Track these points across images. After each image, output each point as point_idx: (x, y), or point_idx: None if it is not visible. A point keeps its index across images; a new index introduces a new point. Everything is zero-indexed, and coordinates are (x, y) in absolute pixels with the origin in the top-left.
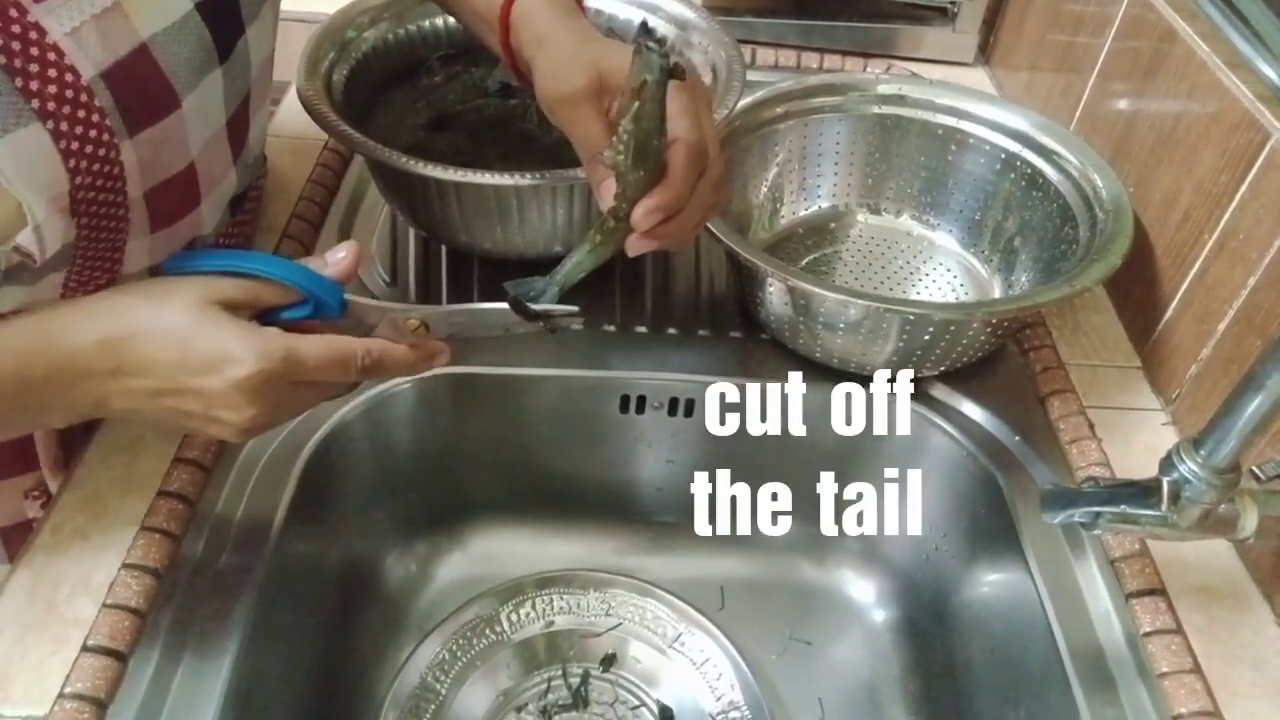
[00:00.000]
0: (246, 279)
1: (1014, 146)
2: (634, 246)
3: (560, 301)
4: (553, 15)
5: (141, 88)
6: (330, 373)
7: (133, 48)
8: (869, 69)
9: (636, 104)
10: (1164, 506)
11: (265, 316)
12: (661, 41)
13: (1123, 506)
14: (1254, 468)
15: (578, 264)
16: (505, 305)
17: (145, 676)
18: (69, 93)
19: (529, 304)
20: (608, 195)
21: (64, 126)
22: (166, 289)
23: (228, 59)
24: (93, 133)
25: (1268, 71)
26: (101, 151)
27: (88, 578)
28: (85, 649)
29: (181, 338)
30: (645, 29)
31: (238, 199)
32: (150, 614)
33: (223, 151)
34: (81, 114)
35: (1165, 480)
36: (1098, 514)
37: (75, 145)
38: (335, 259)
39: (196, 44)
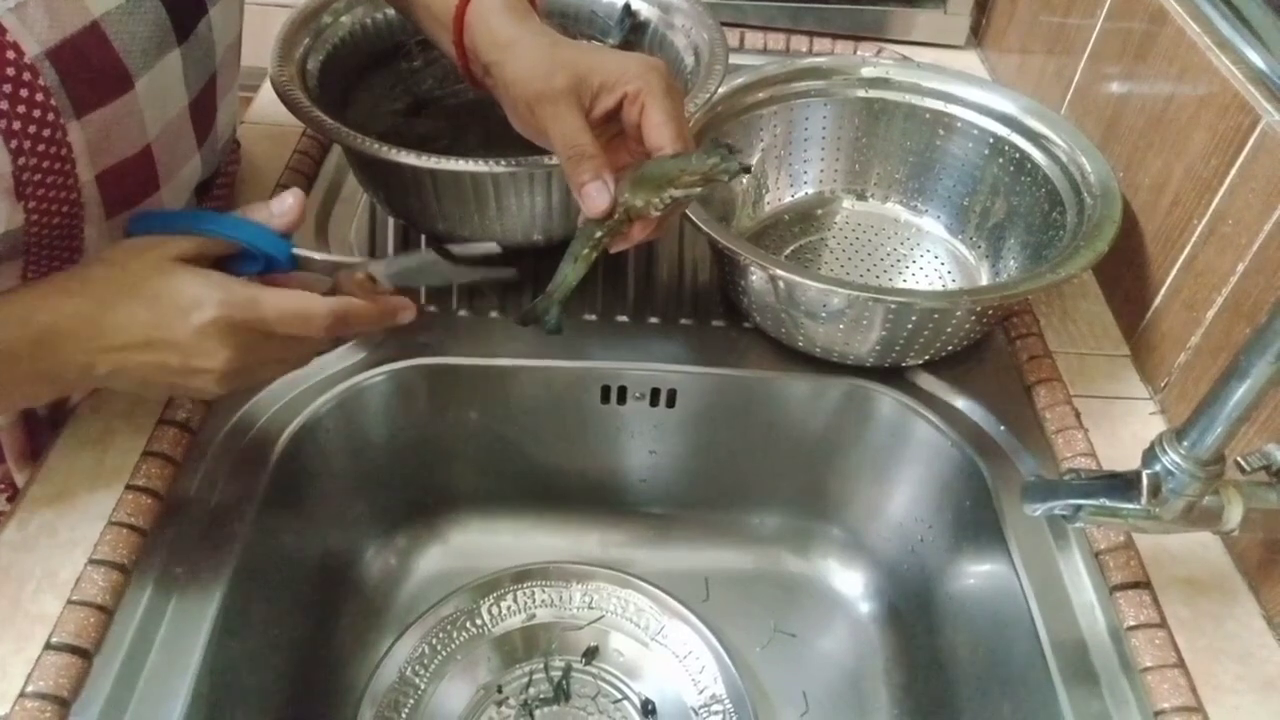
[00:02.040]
0: (200, 237)
1: (1002, 130)
2: (617, 247)
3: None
4: (511, 19)
5: (91, 67)
6: (293, 324)
7: (83, 26)
8: (859, 52)
9: (697, 188)
10: (1144, 500)
11: (223, 265)
12: (731, 148)
13: (1102, 499)
14: (1239, 459)
15: (566, 278)
16: (433, 251)
17: (111, 674)
18: (10, 70)
19: (452, 251)
20: (595, 202)
21: (4, 105)
22: (128, 254)
23: (187, 40)
24: (36, 112)
25: (1252, 56)
26: (46, 132)
27: (54, 573)
28: (49, 646)
29: (150, 296)
30: (628, 9)
31: (204, 185)
32: (118, 610)
33: (185, 135)
34: (24, 93)
35: (1145, 473)
36: (1078, 506)
37: (17, 125)
38: (281, 209)
39: (152, 23)
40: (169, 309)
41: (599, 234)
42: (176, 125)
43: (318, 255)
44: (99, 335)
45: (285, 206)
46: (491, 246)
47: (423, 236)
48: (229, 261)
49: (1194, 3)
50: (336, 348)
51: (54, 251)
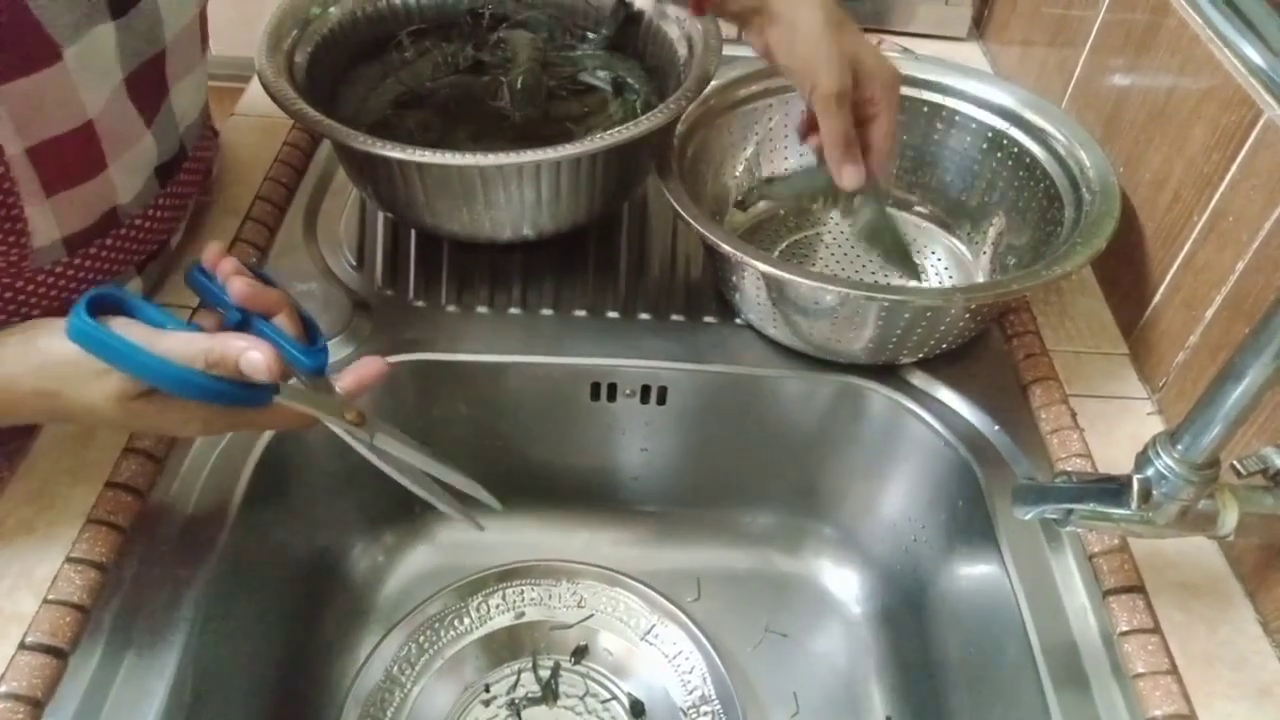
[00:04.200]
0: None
1: (1000, 124)
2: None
3: None
4: None
5: (11, 35)
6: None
7: None
8: None
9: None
10: (1134, 505)
11: None
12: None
13: (1092, 504)
14: (1235, 462)
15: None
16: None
17: (87, 674)
18: None
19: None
20: (856, 176)
21: None
22: (82, 384)
23: (126, 14)
24: None
25: (1252, 54)
26: None
27: (30, 571)
28: (23, 646)
29: (120, 424)
30: (622, 1)
31: (166, 169)
32: (95, 609)
33: (127, 112)
34: None
35: (1136, 478)
36: (1069, 510)
37: None
38: (250, 366)
39: None
40: (151, 427)
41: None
42: (117, 102)
43: (302, 408)
44: (51, 420)
45: (254, 368)
46: (476, 527)
47: (379, 278)
48: None
49: None
50: None
51: None
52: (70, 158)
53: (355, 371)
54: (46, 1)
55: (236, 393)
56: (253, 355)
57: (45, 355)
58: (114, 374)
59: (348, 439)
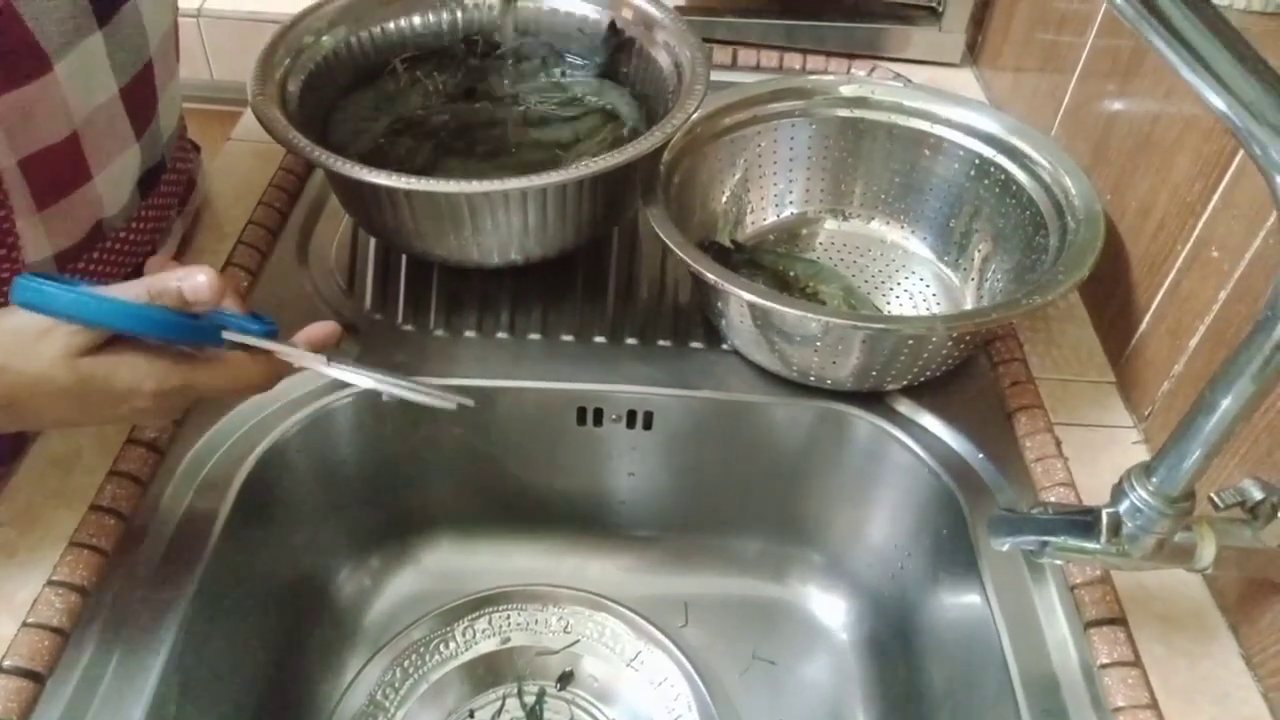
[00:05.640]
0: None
1: (987, 151)
2: None
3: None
4: None
5: (4, 46)
6: (231, 394)
7: None
8: (852, 70)
9: None
10: (1103, 539)
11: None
12: None
13: (1064, 537)
14: (1213, 495)
15: None
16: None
17: (63, 698)
18: None
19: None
20: None
21: None
22: (27, 349)
23: (109, 22)
24: None
25: (1216, 102)
26: None
27: (10, 595)
28: (0, 670)
29: (69, 394)
30: (614, 27)
31: (148, 180)
32: (74, 633)
33: (119, 123)
34: None
35: (1105, 512)
36: (1045, 542)
37: None
38: (194, 292)
39: (69, 4)
40: (95, 404)
41: None
42: (107, 113)
43: (250, 341)
44: (19, 423)
45: (197, 289)
46: (449, 405)
47: (369, 302)
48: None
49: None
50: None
51: None
52: (59, 168)
53: (306, 332)
54: (39, 13)
55: (185, 324)
56: (195, 278)
57: None
58: (57, 331)
59: (305, 362)
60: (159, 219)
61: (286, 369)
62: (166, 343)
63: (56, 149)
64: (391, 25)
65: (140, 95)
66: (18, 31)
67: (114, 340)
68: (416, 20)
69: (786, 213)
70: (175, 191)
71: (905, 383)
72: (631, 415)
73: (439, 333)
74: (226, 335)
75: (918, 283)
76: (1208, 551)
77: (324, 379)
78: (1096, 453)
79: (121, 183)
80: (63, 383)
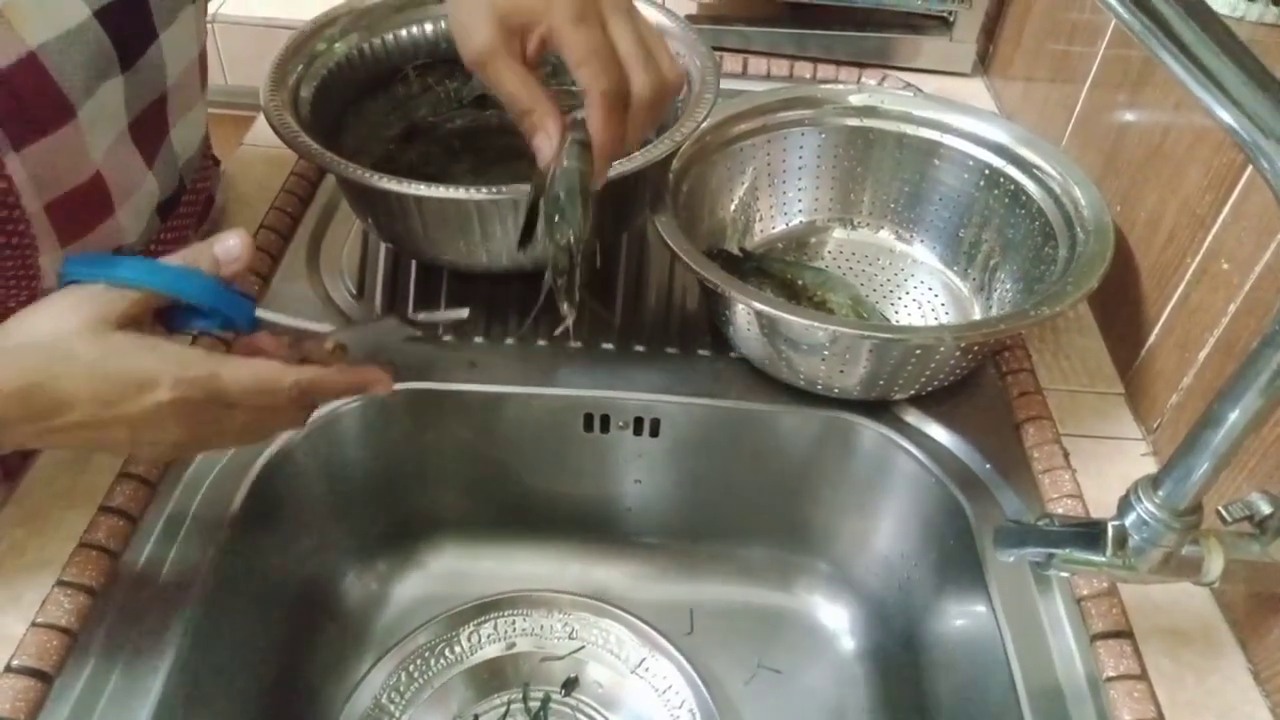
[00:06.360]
0: (141, 291)
1: (996, 161)
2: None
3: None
4: None
5: (30, 99)
6: (256, 398)
7: (19, 57)
8: (863, 79)
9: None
10: (1108, 553)
11: (175, 321)
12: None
13: (1069, 549)
14: (1221, 508)
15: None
16: (395, 319)
17: (71, 698)
18: None
19: (420, 316)
20: (545, 149)
21: None
22: (56, 318)
23: (133, 66)
24: None
25: (1224, 116)
26: None
27: (19, 595)
28: (8, 669)
29: (92, 371)
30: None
31: (167, 205)
32: (82, 633)
33: (130, 156)
34: None
35: (1111, 525)
36: (1050, 554)
37: None
38: (226, 254)
39: (94, 51)
40: (116, 387)
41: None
42: (120, 147)
43: (283, 319)
44: (34, 418)
45: (229, 250)
46: (461, 314)
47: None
48: (182, 315)
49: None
50: (305, 421)
51: (10, 282)
52: (82, 208)
53: (229, 264)
54: (64, 63)
55: (220, 290)
56: (227, 240)
57: (17, 333)
58: (92, 301)
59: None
60: (178, 240)
61: (325, 380)
62: (201, 332)
63: (79, 190)
64: (404, 32)
65: (149, 126)
66: (43, 85)
67: (145, 329)
68: (429, 27)
69: (795, 221)
70: (194, 211)
71: (913, 392)
72: (639, 422)
73: (447, 338)
74: (260, 314)
75: (926, 292)
76: (1215, 565)
77: None
78: (1104, 464)
79: (142, 212)
80: (85, 356)
